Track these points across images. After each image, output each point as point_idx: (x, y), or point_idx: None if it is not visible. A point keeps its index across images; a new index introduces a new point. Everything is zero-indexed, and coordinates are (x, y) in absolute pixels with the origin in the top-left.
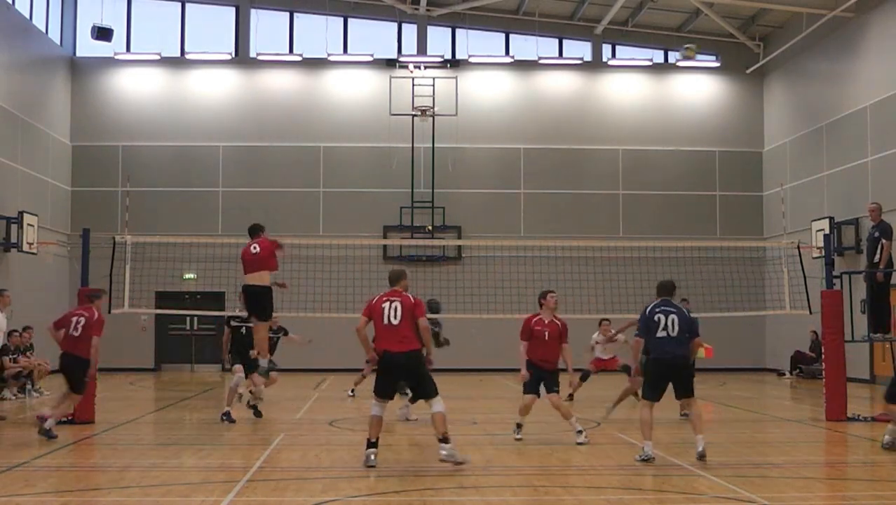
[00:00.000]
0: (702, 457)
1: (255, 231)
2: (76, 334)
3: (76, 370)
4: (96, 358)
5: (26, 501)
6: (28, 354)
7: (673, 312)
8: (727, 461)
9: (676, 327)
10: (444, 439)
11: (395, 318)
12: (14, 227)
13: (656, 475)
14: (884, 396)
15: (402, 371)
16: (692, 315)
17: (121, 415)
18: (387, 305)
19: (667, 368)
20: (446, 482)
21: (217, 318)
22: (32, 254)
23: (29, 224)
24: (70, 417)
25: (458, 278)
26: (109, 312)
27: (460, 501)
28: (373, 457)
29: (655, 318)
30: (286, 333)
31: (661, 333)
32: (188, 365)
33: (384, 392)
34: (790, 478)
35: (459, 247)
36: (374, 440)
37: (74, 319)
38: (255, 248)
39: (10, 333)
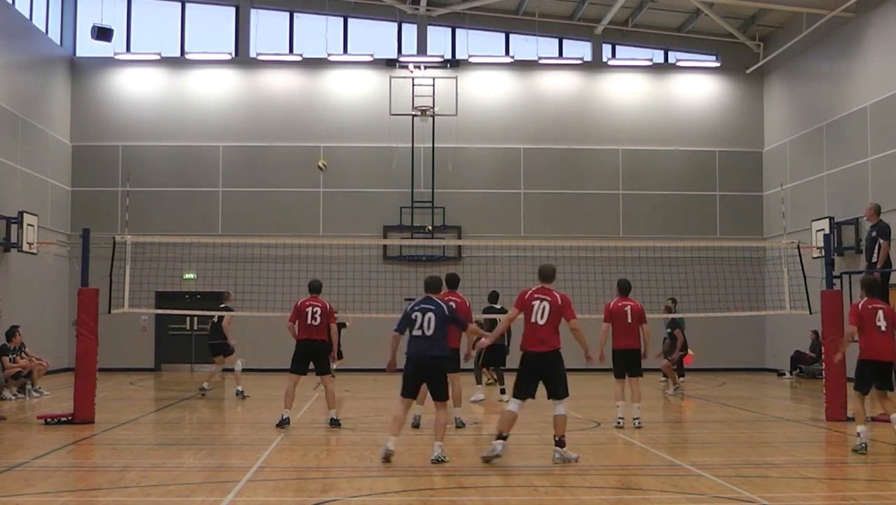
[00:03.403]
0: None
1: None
2: (316, 323)
3: (323, 354)
4: (335, 341)
5: (26, 501)
6: (23, 353)
7: (430, 310)
8: (727, 461)
9: (433, 326)
10: (558, 442)
11: (542, 318)
12: (14, 227)
13: (656, 475)
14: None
15: (540, 370)
16: (682, 315)
17: (121, 415)
18: (537, 303)
19: (421, 367)
20: (446, 482)
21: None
22: (32, 254)
23: (29, 224)
24: (70, 417)
25: None
26: (109, 312)
27: (460, 501)
28: (499, 448)
29: (413, 316)
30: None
31: (416, 332)
32: (188, 365)
33: (524, 393)
34: (790, 478)
35: (459, 247)
36: (504, 435)
37: (309, 309)
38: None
39: (13, 333)
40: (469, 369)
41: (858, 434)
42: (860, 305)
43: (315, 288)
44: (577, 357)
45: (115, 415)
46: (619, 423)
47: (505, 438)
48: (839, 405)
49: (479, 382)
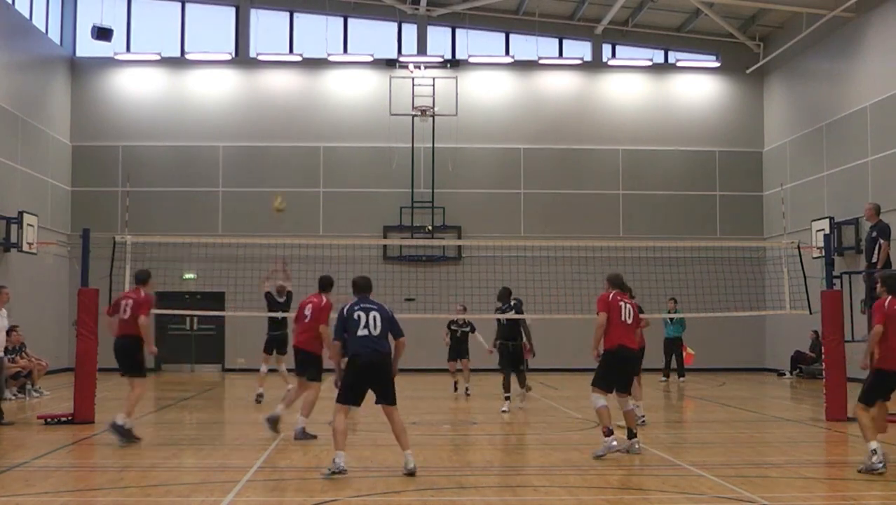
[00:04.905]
0: (411, 473)
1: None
2: (125, 317)
3: (129, 352)
4: (147, 335)
5: (26, 501)
6: (23, 353)
7: (374, 309)
8: (727, 461)
9: (378, 325)
10: (634, 434)
11: (630, 318)
12: (14, 227)
13: (656, 475)
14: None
15: (631, 365)
16: (683, 315)
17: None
18: (622, 304)
19: (372, 368)
20: (446, 482)
21: (217, 317)
22: (32, 254)
23: (29, 224)
24: (70, 417)
25: (458, 278)
26: None
27: (460, 501)
28: (614, 443)
29: (356, 315)
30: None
31: (362, 332)
32: (188, 365)
33: (611, 386)
34: (790, 478)
35: (459, 247)
36: (611, 428)
37: (123, 302)
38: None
39: (10, 331)
40: (440, 369)
41: (874, 452)
42: (886, 304)
43: (139, 279)
44: (572, 356)
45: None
46: None
47: (613, 433)
48: (839, 405)
49: (507, 389)
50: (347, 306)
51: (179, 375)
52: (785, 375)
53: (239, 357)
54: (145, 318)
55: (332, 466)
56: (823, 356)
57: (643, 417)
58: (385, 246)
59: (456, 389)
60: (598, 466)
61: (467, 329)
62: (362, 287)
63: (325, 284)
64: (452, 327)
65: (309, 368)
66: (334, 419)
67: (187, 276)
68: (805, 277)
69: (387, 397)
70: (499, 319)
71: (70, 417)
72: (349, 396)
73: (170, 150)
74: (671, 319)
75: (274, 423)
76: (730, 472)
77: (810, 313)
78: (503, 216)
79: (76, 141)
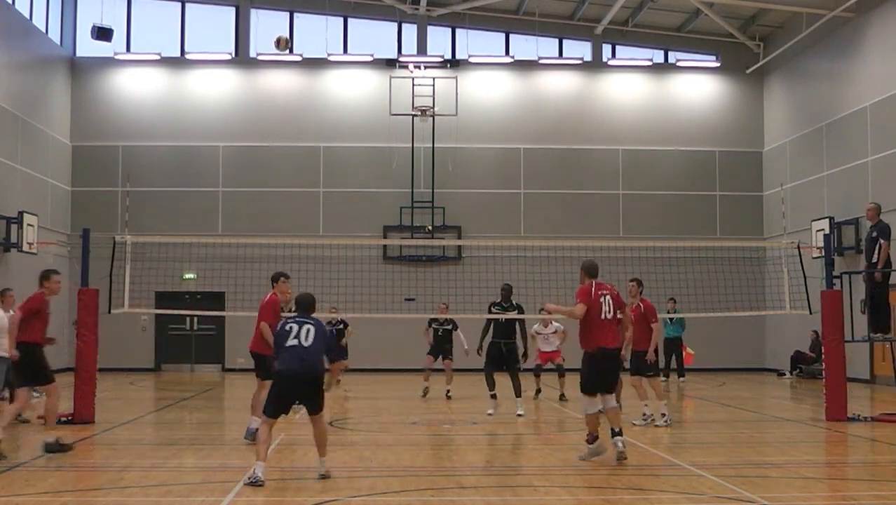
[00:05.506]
0: (324, 477)
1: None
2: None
3: (25, 361)
4: (11, 334)
5: (26, 501)
6: None
7: (309, 323)
8: (727, 461)
9: (311, 338)
10: (618, 433)
11: (610, 312)
12: (14, 227)
13: (656, 475)
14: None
15: (612, 364)
16: (683, 315)
17: (121, 415)
18: (602, 298)
19: (299, 383)
20: (446, 482)
21: (217, 317)
22: (32, 254)
23: (29, 224)
24: (69, 417)
25: (458, 278)
26: (109, 312)
27: (460, 501)
28: (603, 449)
29: (287, 327)
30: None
31: (291, 342)
32: (188, 365)
33: (599, 388)
34: (790, 478)
35: (459, 247)
36: (596, 435)
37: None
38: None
39: None
40: (436, 369)
41: None
42: None
43: (39, 278)
44: (572, 356)
45: (115, 415)
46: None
47: (597, 438)
48: (839, 405)
49: (492, 388)
50: (282, 321)
51: (179, 375)
52: (785, 375)
53: (239, 357)
54: (17, 313)
55: (252, 475)
56: (823, 356)
57: (651, 416)
58: (385, 246)
59: (426, 393)
60: (597, 466)
61: (449, 327)
62: (302, 305)
63: (273, 279)
64: (434, 325)
65: (259, 368)
66: (258, 430)
67: (187, 276)
68: (805, 277)
69: (313, 407)
70: (495, 318)
71: (70, 417)
72: (276, 409)
73: (170, 150)
74: (671, 319)
75: (254, 435)
76: (730, 472)
77: (810, 313)
78: (503, 216)
79: (76, 141)
